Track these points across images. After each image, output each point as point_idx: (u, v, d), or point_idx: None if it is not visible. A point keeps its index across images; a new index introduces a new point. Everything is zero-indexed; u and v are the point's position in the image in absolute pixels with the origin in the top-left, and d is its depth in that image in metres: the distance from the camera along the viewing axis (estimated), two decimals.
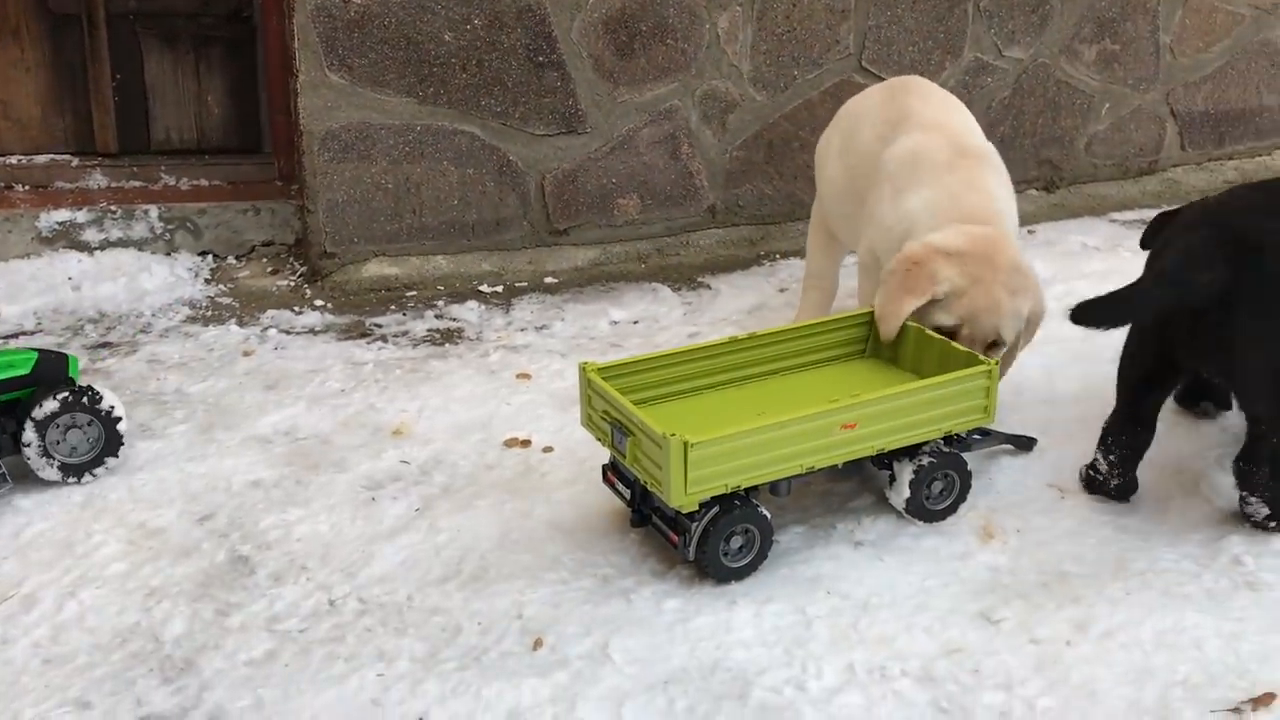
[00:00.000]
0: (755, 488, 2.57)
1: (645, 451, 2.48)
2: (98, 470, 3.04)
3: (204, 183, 4.83)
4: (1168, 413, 3.26)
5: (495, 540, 2.74)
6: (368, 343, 3.98)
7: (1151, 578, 2.54)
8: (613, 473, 2.73)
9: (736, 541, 2.54)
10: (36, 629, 2.46)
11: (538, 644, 2.36)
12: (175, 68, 4.82)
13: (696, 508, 2.48)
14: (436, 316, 4.21)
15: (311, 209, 4.48)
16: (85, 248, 4.58)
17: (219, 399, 3.52)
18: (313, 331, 4.09)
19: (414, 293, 4.46)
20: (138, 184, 4.77)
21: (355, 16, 4.28)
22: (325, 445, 3.22)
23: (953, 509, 2.79)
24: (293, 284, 4.53)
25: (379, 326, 4.13)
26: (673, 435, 2.37)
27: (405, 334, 4.05)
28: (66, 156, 4.78)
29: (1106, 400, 3.35)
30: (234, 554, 2.73)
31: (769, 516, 2.58)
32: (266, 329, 4.09)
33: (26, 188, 4.67)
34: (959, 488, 2.79)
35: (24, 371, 3.00)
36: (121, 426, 3.06)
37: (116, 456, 3.06)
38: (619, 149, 4.67)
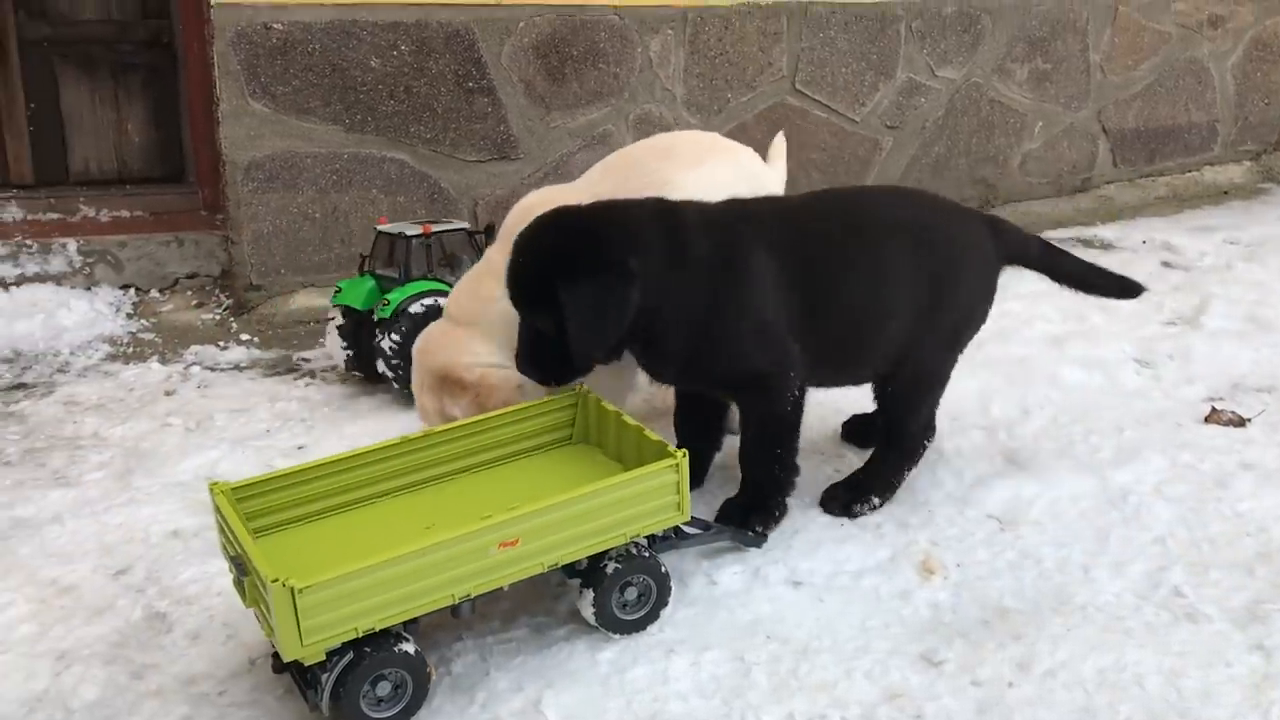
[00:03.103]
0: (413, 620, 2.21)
1: (260, 595, 2.11)
2: None
3: (125, 214, 4.70)
4: (1108, 444, 3.26)
5: None
6: (294, 379, 3.86)
7: (1093, 612, 2.50)
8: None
9: (385, 688, 2.17)
10: None
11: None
12: (93, 96, 4.69)
13: (323, 658, 2.12)
14: None
15: (236, 240, 4.36)
16: (0, 283, 4.42)
17: (138, 442, 3.39)
18: (238, 368, 3.97)
19: None
20: (55, 216, 4.63)
21: (277, 43, 4.18)
22: None
23: (652, 616, 2.47)
24: (218, 317, 4.41)
25: (306, 361, 4.02)
26: (275, 579, 2.00)
27: (333, 369, 3.94)
28: None
29: (1043, 423, 3.35)
30: (150, 611, 2.61)
31: (420, 655, 2.20)
32: (190, 366, 3.97)
33: None
34: (656, 593, 2.46)
35: None
36: None
37: None
38: (552, 174, 4.60)
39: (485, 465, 2.68)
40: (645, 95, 4.65)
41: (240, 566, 2.19)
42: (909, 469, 2.98)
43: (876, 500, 2.92)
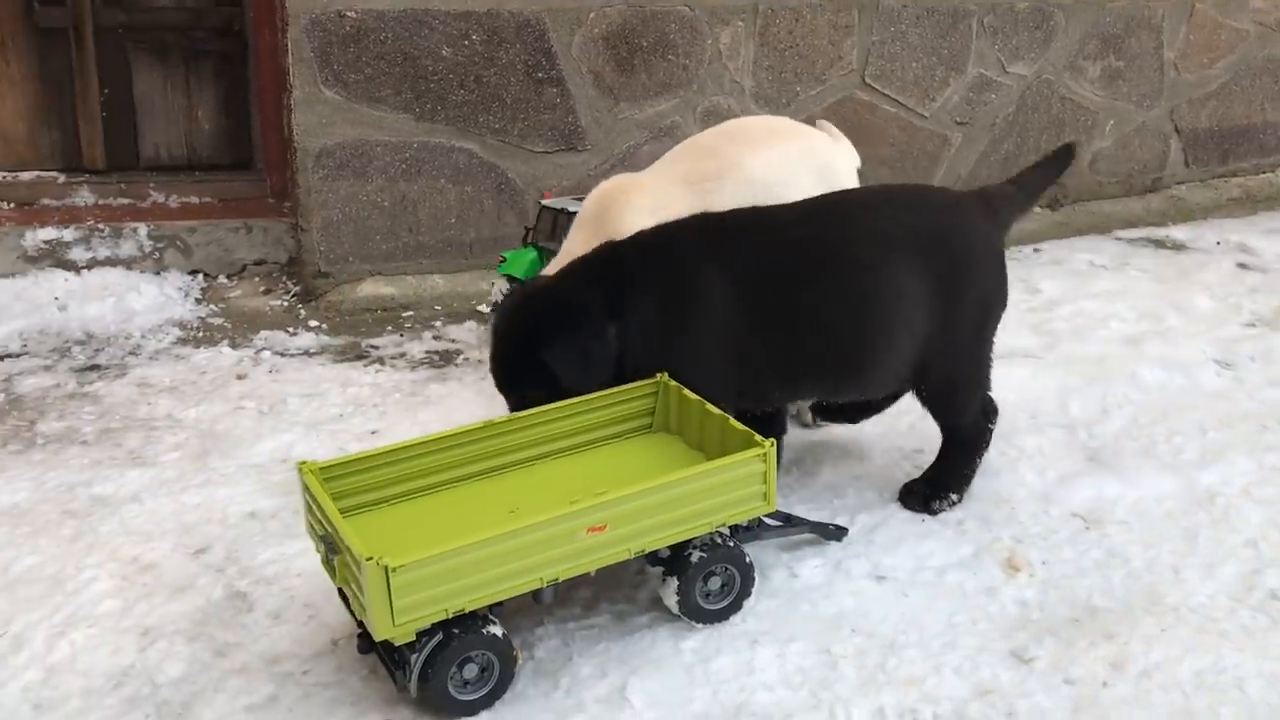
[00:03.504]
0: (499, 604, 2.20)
1: (352, 574, 2.10)
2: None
3: (194, 200, 4.73)
4: (1191, 446, 3.19)
5: None
6: (365, 365, 3.87)
7: (1186, 613, 2.45)
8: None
9: (472, 670, 2.17)
10: (26, 671, 2.34)
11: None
12: (165, 82, 4.73)
13: (412, 638, 2.12)
14: (434, 338, 4.11)
15: (305, 227, 4.38)
16: (72, 266, 4.47)
17: (212, 424, 3.41)
18: (308, 353, 3.99)
19: (411, 313, 4.36)
20: (126, 201, 4.67)
21: (351, 31, 4.19)
22: None
23: (735, 606, 2.45)
24: (286, 304, 4.43)
25: (375, 348, 4.03)
26: (369, 558, 2.01)
27: (403, 356, 3.95)
28: (53, 173, 4.68)
29: (1123, 422, 3.29)
30: (231, 590, 2.62)
31: (506, 638, 2.20)
32: (260, 351, 3.99)
33: (11, 205, 4.56)
34: (740, 583, 2.45)
35: None
36: None
37: None
38: (619, 166, 4.58)
39: (565, 452, 2.67)
40: (714, 87, 4.62)
41: (330, 545, 2.19)
42: (979, 457, 2.92)
43: (955, 496, 2.88)
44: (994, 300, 2.87)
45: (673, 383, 2.69)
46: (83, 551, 2.76)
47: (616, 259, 2.73)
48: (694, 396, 2.64)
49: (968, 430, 2.89)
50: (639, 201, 3.19)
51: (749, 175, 3.20)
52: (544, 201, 3.79)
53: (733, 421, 2.53)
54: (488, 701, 2.20)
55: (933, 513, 2.85)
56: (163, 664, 2.37)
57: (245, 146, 4.86)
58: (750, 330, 2.66)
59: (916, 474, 3.04)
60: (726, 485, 2.38)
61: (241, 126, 4.83)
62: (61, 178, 4.66)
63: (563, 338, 2.63)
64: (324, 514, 2.21)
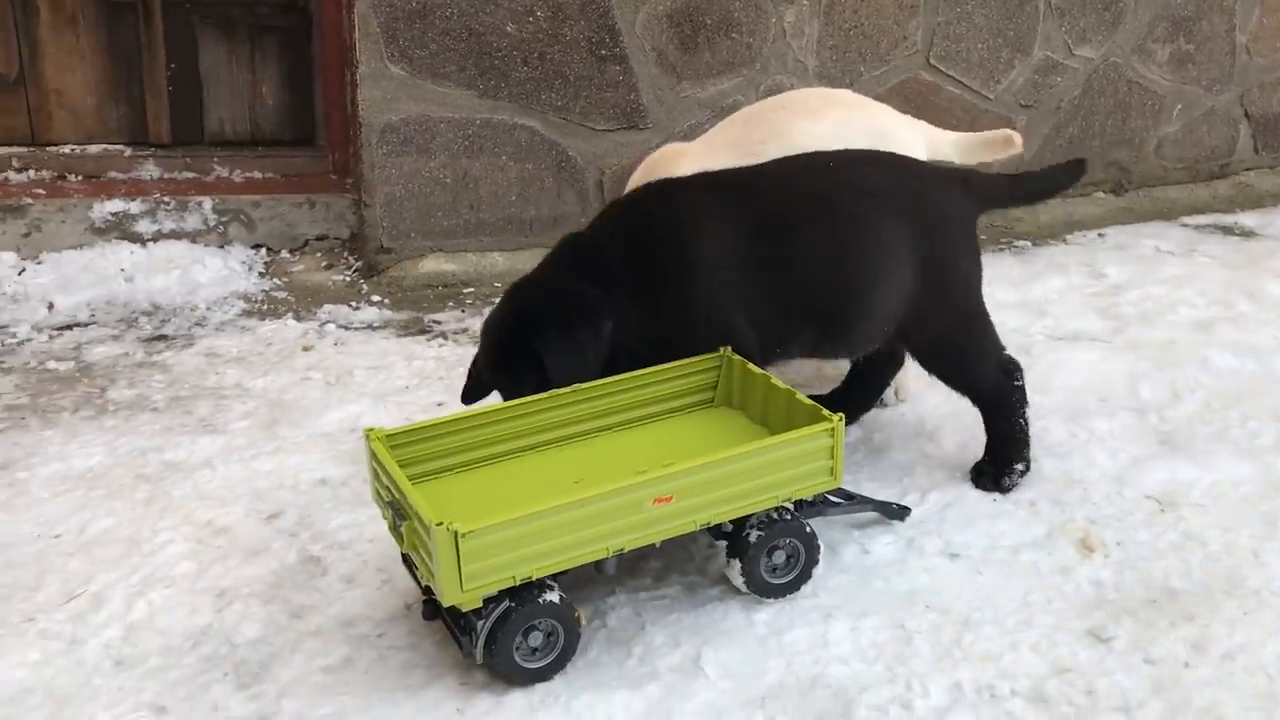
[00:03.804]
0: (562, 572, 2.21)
1: (420, 540, 2.12)
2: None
3: (257, 175, 4.77)
4: (1267, 431, 3.14)
5: None
6: (428, 340, 3.89)
7: (1268, 596, 2.41)
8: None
9: (537, 638, 2.18)
10: (107, 629, 2.38)
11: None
12: (230, 57, 4.76)
13: (480, 604, 2.13)
14: None
15: (369, 203, 4.40)
16: (138, 239, 4.52)
17: (280, 394, 3.44)
18: (371, 327, 4.01)
19: (471, 289, 4.37)
20: (191, 175, 4.72)
21: (417, 7, 4.20)
22: None
23: (803, 578, 2.44)
24: (348, 279, 4.46)
25: (438, 323, 4.05)
26: (439, 523, 2.01)
27: (465, 331, 3.96)
28: (119, 146, 4.73)
29: (1195, 407, 3.24)
30: (305, 554, 2.64)
31: (566, 602, 2.20)
32: (324, 324, 4.02)
33: (79, 178, 4.62)
34: (804, 554, 2.43)
35: None
36: None
37: None
38: None
39: (627, 425, 2.67)
40: (777, 66, 4.59)
41: (398, 511, 2.20)
42: (1021, 418, 2.86)
43: (1020, 466, 2.84)
44: (975, 268, 2.85)
45: (736, 357, 2.68)
46: (157, 515, 2.80)
47: (597, 245, 2.72)
48: (758, 370, 2.63)
49: (992, 394, 2.84)
50: (683, 167, 3.20)
51: (796, 142, 3.15)
52: None
53: (800, 395, 2.52)
54: (557, 666, 2.21)
55: (1004, 490, 2.82)
56: (239, 625, 2.39)
57: (308, 123, 4.89)
58: (737, 288, 2.65)
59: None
60: (794, 459, 2.37)
61: (305, 103, 4.86)
62: (128, 151, 4.71)
63: (556, 335, 2.58)
64: (392, 480, 2.22)
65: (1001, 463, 2.86)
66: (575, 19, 4.34)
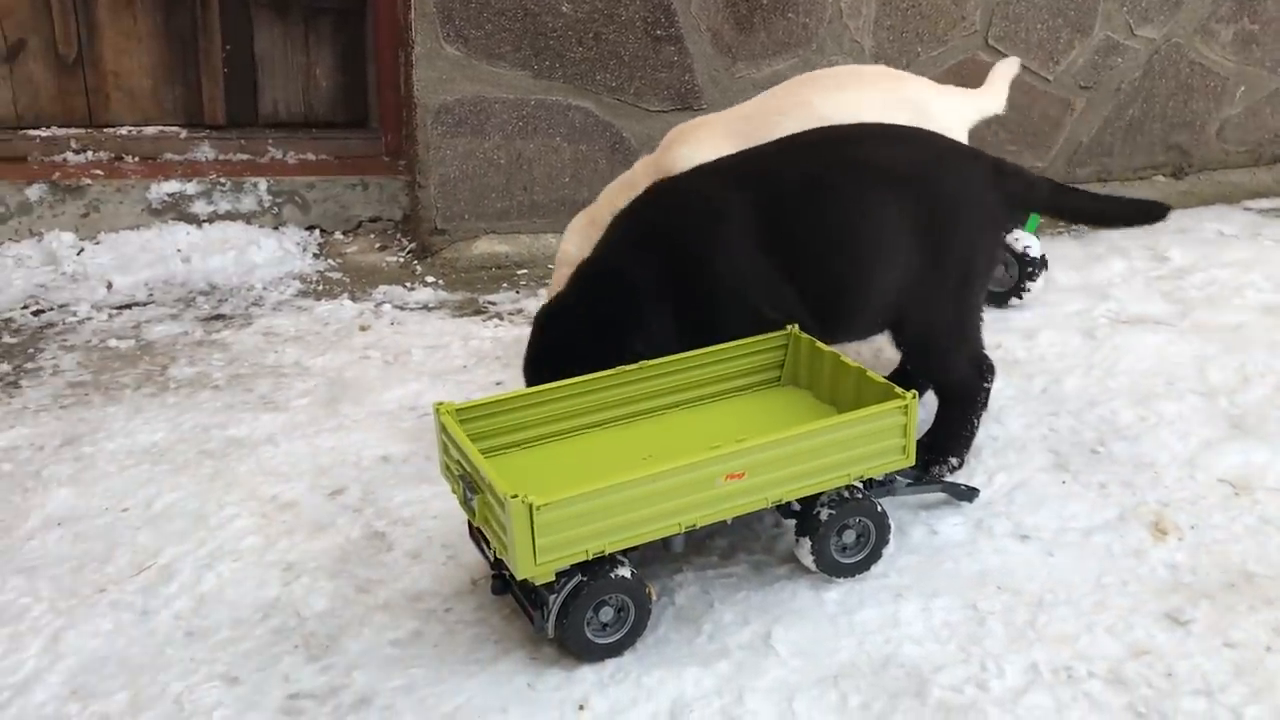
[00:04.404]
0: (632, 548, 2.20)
1: (494, 512, 2.11)
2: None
3: (311, 157, 4.78)
4: None
5: None
6: (483, 320, 3.89)
7: None
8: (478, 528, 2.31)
9: (608, 613, 2.17)
10: (177, 601, 2.39)
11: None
12: (285, 39, 4.77)
13: (552, 578, 2.13)
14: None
15: (423, 184, 4.40)
16: (194, 220, 4.55)
17: (340, 372, 3.45)
18: (426, 308, 4.01)
19: (525, 271, 4.37)
20: (245, 157, 4.73)
21: None
22: None
23: (874, 557, 2.41)
24: (402, 260, 4.46)
25: (493, 304, 4.04)
26: (514, 496, 2.00)
27: (520, 312, 3.96)
28: (175, 128, 4.75)
29: (1266, 391, 3.18)
30: (369, 530, 2.64)
31: (637, 577, 2.19)
32: (380, 304, 4.03)
33: (136, 159, 4.65)
34: (875, 533, 2.40)
35: None
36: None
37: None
38: None
39: (694, 403, 2.65)
40: (833, 47, 4.54)
41: (469, 485, 2.19)
42: (976, 417, 2.79)
43: (955, 461, 2.76)
44: (978, 261, 2.73)
45: (804, 335, 2.65)
46: (222, 489, 2.82)
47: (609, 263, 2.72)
48: (827, 349, 2.60)
49: (957, 387, 2.75)
50: (697, 136, 3.29)
51: (818, 114, 3.16)
52: None
53: (870, 373, 2.49)
54: (627, 642, 2.20)
55: (932, 477, 2.71)
56: (307, 598, 2.40)
57: (361, 105, 4.89)
58: (746, 275, 2.62)
59: (1054, 436, 2.98)
60: (866, 437, 2.34)
61: (358, 85, 4.86)
62: (183, 133, 4.73)
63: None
64: (463, 454, 2.22)
65: (938, 452, 2.75)
66: None
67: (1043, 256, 3.80)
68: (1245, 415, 3.08)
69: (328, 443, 3.03)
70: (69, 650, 2.25)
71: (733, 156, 2.86)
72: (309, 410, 3.21)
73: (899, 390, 2.39)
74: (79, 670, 2.20)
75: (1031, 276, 3.79)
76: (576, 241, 3.30)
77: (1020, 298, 3.80)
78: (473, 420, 2.41)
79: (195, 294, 4.14)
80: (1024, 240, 3.78)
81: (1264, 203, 4.97)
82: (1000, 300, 3.79)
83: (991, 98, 3.47)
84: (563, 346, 2.65)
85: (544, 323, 2.74)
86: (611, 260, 2.72)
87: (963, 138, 3.32)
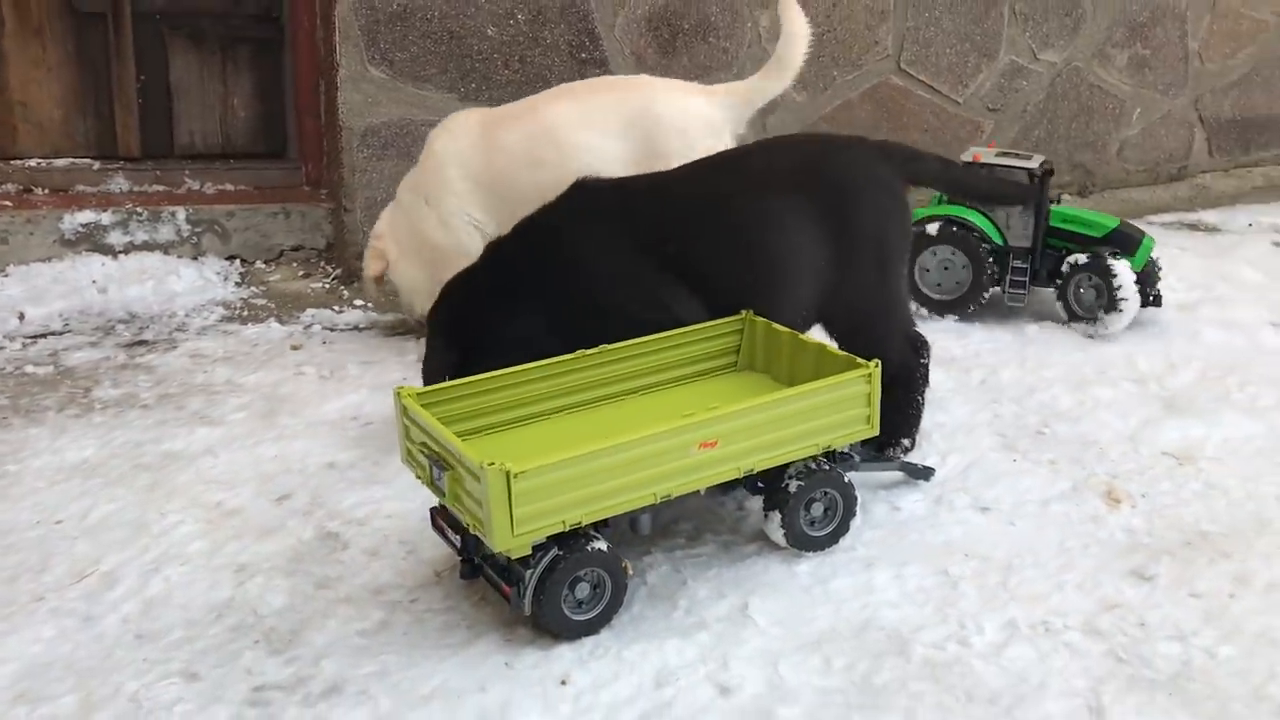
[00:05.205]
0: (605, 522, 2.18)
1: (466, 488, 2.08)
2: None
3: (229, 187, 4.68)
4: (1266, 394, 3.19)
5: None
6: (418, 339, 3.82)
7: None
8: (442, 517, 2.28)
9: (584, 589, 2.14)
10: (123, 605, 2.28)
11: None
12: (201, 69, 4.69)
13: (528, 551, 2.10)
14: None
15: (349, 208, 4.34)
16: (109, 251, 4.40)
17: (275, 388, 3.36)
18: (358, 328, 3.94)
19: None
20: (161, 188, 4.62)
21: (398, 9, 4.19)
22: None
23: (842, 530, 2.43)
24: (328, 286, 4.38)
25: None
26: (491, 464, 1.97)
27: None
28: (87, 160, 4.62)
29: (1193, 375, 3.29)
30: (322, 530, 2.56)
31: (614, 551, 2.16)
32: (309, 326, 3.94)
33: (46, 190, 4.50)
34: (843, 505, 2.42)
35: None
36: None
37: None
38: None
39: (653, 388, 2.65)
40: (753, 70, 4.60)
41: (438, 463, 2.14)
42: (920, 395, 2.83)
43: (906, 441, 2.80)
44: (892, 237, 2.77)
45: (759, 318, 2.66)
46: (163, 499, 2.70)
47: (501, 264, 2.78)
48: (784, 329, 2.62)
49: (898, 369, 2.75)
50: (450, 127, 3.63)
51: (540, 119, 3.49)
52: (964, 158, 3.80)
53: (830, 348, 2.51)
54: (604, 619, 2.16)
55: (887, 459, 2.75)
56: (264, 596, 2.31)
57: (279, 135, 4.82)
58: (653, 295, 2.65)
59: (998, 421, 3.04)
60: (833, 405, 2.36)
61: (275, 115, 4.80)
62: (96, 165, 4.60)
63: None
64: (430, 433, 2.17)
65: (889, 434, 2.72)
66: (555, 22, 4.35)
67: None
68: (1176, 397, 3.18)
69: (270, 451, 2.93)
70: (10, 656, 2.12)
71: (636, 177, 2.95)
72: (246, 423, 3.11)
73: (860, 360, 2.41)
74: (23, 675, 2.07)
75: (1116, 307, 3.63)
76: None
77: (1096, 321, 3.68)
78: (434, 405, 2.36)
79: (114, 322, 3.99)
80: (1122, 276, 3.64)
81: (1166, 217, 5.18)
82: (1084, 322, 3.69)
83: (770, 79, 3.61)
84: (462, 316, 2.77)
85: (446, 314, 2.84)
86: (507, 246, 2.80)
87: (719, 137, 3.44)
